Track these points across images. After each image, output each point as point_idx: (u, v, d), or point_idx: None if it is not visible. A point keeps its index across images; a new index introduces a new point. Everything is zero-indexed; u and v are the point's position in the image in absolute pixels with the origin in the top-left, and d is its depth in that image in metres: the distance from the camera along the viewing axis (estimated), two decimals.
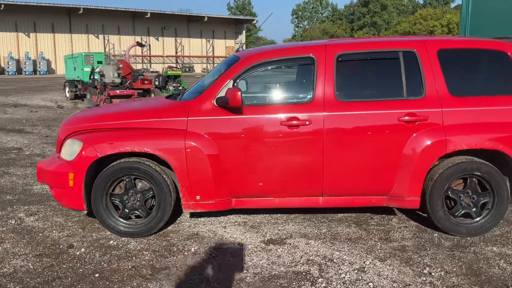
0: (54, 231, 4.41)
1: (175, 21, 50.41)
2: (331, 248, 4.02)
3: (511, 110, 4.19)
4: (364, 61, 4.37)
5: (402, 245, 4.08)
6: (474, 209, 4.25)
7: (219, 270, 3.62)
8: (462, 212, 4.26)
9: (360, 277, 3.50)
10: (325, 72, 4.21)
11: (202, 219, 4.74)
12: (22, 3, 40.86)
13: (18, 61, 42.40)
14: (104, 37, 46.42)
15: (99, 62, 18.70)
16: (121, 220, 4.25)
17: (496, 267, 3.65)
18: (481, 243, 4.13)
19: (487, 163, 4.16)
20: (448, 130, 4.12)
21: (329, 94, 4.18)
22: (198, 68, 50.79)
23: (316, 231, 4.40)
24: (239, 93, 3.97)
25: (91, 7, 43.97)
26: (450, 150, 4.11)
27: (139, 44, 19.24)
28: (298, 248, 4.03)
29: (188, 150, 4.10)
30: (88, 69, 17.32)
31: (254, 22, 57.05)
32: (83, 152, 4.13)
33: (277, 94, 4.59)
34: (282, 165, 4.21)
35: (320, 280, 3.45)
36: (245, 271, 3.60)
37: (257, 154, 4.19)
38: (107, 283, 3.41)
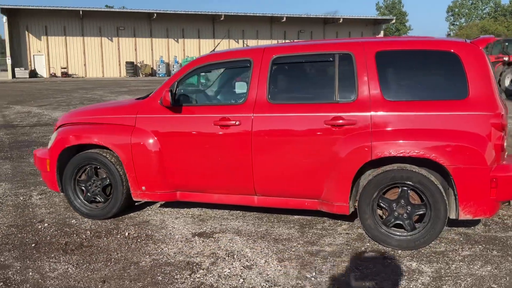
0: (43, 208, 5.23)
1: (312, 24, 51.03)
2: (247, 245, 4.12)
3: (450, 117, 3.83)
4: (300, 63, 4.36)
5: (320, 250, 4.01)
6: (407, 221, 3.97)
7: (128, 253, 4.01)
8: (395, 222, 4.02)
9: (239, 272, 3.60)
10: (259, 74, 4.31)
11: (166, 209, 5.16)
12: (172, 12, 45.38)
13: (168, 65, 47.23)
14: (243, 41, 49.11)
15: None
16: (85, 202, 4.88)
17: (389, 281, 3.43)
18: (408, 257, 3.85)
19: (420, 172, 3.86)
20: (376, 135, 3.92)
21: (261, 96, 4.27)
22: None
23: (253, 229, 4.52)
24: (169, 94, 4.31)
25: (232, 13, 46.90)
26: (376, 156, 3.91)
27: None
28: (217, 242, 4.22)
29: (133, 144, 4.57)
30: None
31: (393, 21, 54.92)
32: (55, 142, 4.86)
33: (216, 96, 4.80)
34: (216, 163, 4.42)
35: (201, 271, 3.64)
36: (147, 256, 3.94)
37: (194, 152, 4.46)
38: (34, 252, 4.05)
